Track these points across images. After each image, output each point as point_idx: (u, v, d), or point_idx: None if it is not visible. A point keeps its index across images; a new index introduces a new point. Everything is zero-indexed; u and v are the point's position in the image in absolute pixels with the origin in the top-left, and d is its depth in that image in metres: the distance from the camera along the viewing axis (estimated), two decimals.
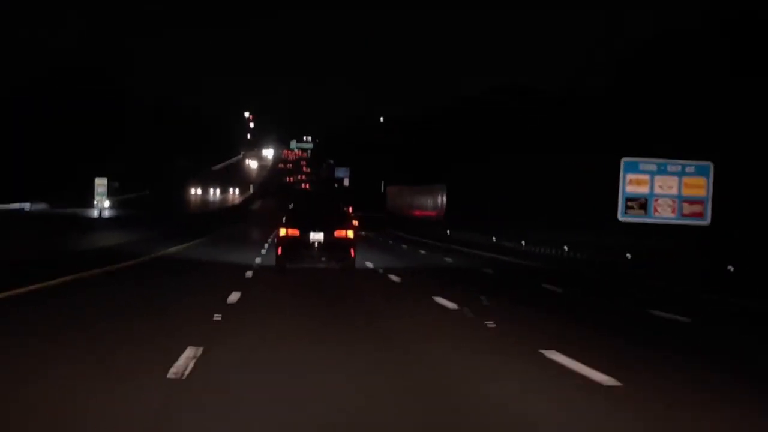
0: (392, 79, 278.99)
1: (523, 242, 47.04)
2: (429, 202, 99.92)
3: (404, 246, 53.12)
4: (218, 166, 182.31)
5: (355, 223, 29.67)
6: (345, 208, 29.94)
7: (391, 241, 60.94)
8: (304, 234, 26.39)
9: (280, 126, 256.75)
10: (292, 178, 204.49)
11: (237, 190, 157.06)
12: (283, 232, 26.70)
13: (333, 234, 26.50)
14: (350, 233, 26.93)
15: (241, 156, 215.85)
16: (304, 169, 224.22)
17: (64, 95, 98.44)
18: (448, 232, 69.90)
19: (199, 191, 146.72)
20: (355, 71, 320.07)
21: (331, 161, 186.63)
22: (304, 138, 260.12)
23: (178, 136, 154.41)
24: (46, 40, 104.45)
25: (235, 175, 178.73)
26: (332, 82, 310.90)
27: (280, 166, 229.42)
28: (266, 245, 41.82)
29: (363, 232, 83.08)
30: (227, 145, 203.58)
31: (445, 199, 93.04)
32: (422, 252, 45.17)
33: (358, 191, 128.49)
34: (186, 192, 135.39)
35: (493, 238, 52.84)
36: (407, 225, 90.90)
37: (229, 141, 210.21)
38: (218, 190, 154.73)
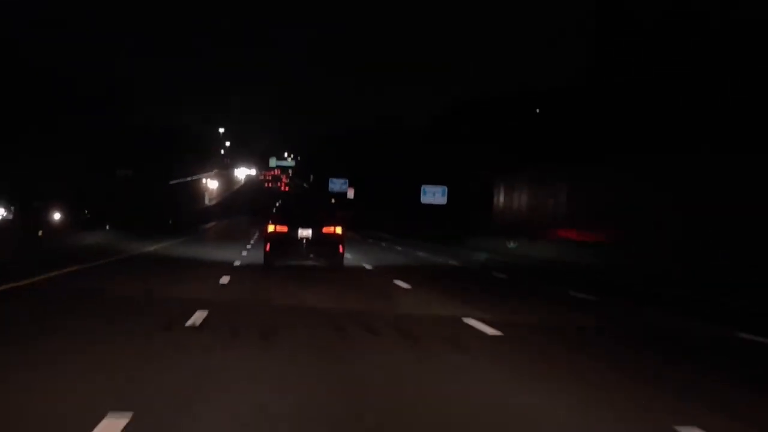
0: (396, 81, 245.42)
1: None
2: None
3: None
4: (174, 182, 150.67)
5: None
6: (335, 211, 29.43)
7: None
8: (293, 230, 26.61)
9: (260, 142, 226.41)
10: (270, 185, 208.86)
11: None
12: (271, 228, 26.94)
13: (321, 230, 26.61)
14: (339, 229, 26.95)
15: (213, 173, 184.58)
16: (284, 179, 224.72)
17: None
18: None
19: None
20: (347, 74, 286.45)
21: (323, 173, 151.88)
22: (285, 155, 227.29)
23: (133, 148, 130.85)
24: None
25: (193, 194, 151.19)
26: (326, 88, 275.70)
27: (260, 178, 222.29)
28: None
29: None
30: (197, 162, 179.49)
31: None
32: None
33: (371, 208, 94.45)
34: None
35: None
36: None
37: (202, 157, 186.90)
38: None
